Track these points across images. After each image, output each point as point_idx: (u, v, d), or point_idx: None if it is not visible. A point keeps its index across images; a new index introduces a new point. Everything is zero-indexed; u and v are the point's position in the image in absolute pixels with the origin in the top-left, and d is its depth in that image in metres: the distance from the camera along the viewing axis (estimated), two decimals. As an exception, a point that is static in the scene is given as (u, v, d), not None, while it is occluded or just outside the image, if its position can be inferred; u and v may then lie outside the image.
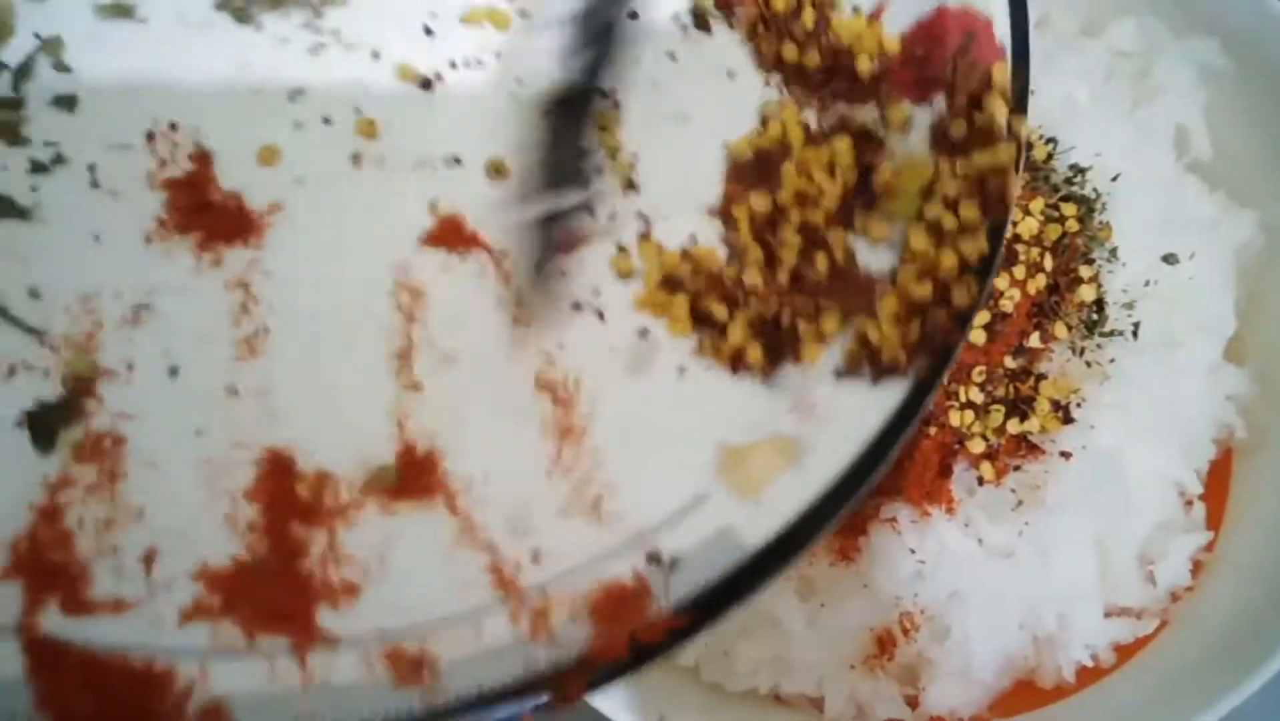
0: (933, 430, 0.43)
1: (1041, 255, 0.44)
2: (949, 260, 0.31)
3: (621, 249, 0.34)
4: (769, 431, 0.31)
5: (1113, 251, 0.45)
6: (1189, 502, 0.47)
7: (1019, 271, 0.43)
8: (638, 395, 0.32)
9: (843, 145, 0.34)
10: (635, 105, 0.35)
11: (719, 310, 0.33)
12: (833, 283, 0.33)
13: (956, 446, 0.43)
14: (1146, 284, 0.45)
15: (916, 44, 0.35)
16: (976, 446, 0.42)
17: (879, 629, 0.43)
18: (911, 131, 0.34)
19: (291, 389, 0.30)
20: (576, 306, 0.33)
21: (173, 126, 0.32)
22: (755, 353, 0.32)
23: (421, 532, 0.29)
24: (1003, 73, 0.33)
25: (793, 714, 0.45)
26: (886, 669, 0.44)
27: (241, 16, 0.34)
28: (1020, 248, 0.44)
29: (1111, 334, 0.45)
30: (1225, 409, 0.47)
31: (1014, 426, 0.43)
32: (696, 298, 0.33)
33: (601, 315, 0.33)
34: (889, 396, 0.30)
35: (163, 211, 0.31)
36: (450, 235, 0.33)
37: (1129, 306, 0.45)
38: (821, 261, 0.33)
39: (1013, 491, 0.43)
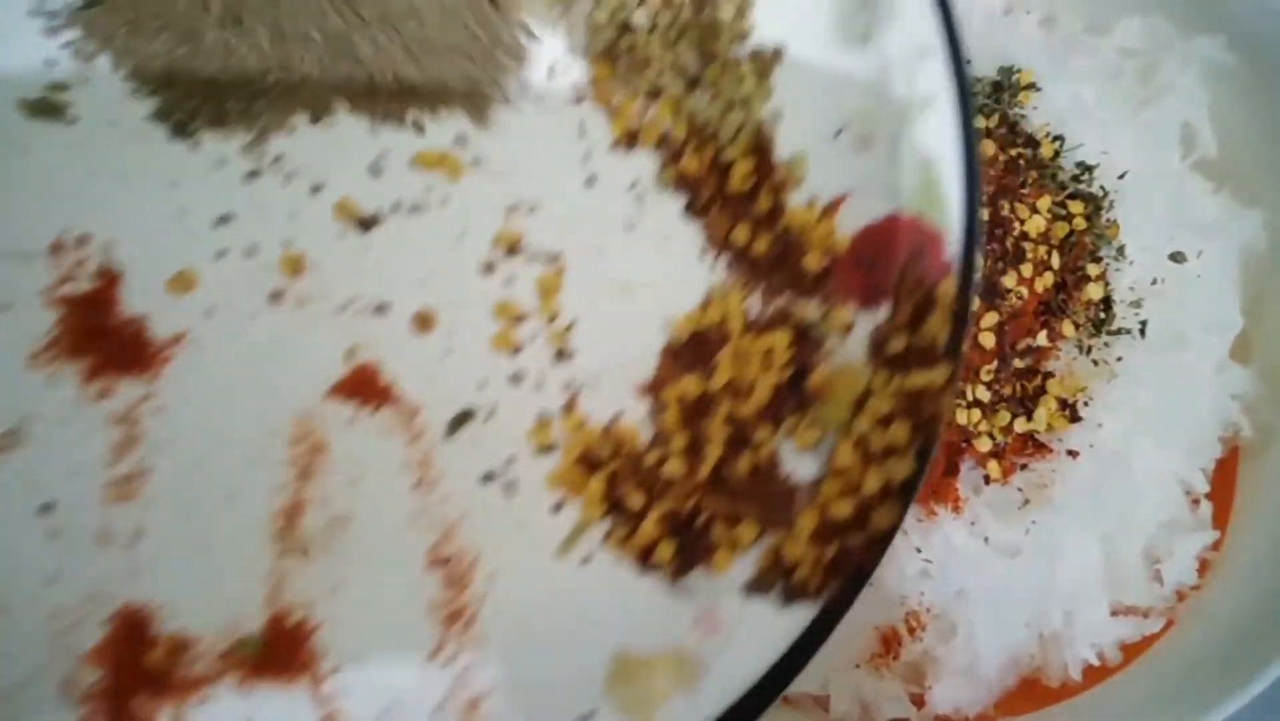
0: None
1: (1049, 253, 0.44)
2: (873, 481, 0.30)
3: (543, 419, 0.32)
4: (669, 641, 0.29)
5: (1120, 249, 0.45)
6: (1195, 501, 0.46)
7: (1026, 270, 0.43)
8: (537, 582, 0.30)
9: (781, 339, 0.33)
10: (579, 271, 0.34)
11: (635, 497, 0.31)
12: (753, 485, 0.32)
13: (963, 445, 0.42)
14: (1153, 282, 0.45)
15: (866, 247, 0.35)
16: (983, 445, 0.42)
17: (884, 627, 0.42)
18: (851, 337, 0.34)
19: (163, 538, 0.28)
20: (487, 477, 0.31)
21: (83, 240, 0.31)
22: (667, 550, 0.31)
23: (278, 719, 0.27)
24: (949, 290, 0.33)
25: (798, 713, 0.43)
26: (892, 667, 0.43)
27: (179, 131, 0.33)
28: (1028, 246, 0.43)
29: (1119, 332, 0.44)
30: (1231, 407, 0.47)
31: (1021, 425, 0.42)
32: (613, 480, 0.32)
33: (511, 488, 0.31)
34: (795, 620, 0.29)
35: (54, 331, 0.29)
36: (363, 386, 0.31)
37: (1136, 305, 0.45)
38: (745, 460, 0.32)
39: (1019, 490, 0.42)
